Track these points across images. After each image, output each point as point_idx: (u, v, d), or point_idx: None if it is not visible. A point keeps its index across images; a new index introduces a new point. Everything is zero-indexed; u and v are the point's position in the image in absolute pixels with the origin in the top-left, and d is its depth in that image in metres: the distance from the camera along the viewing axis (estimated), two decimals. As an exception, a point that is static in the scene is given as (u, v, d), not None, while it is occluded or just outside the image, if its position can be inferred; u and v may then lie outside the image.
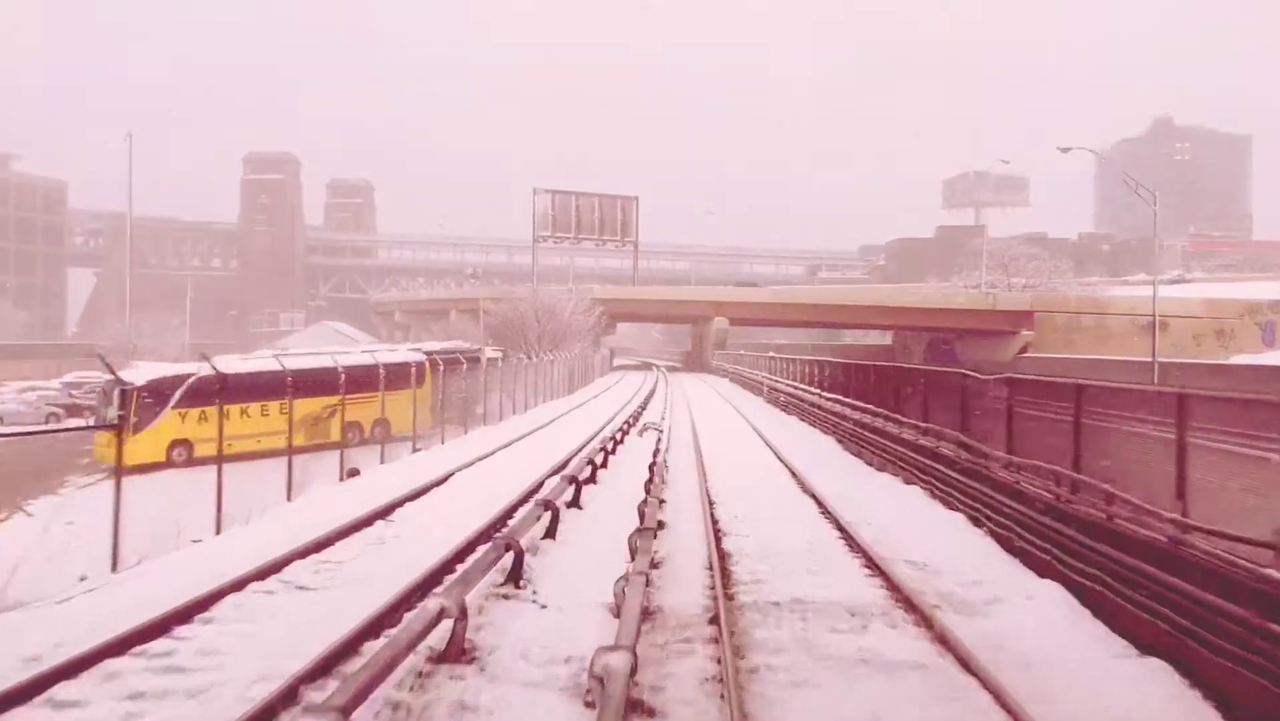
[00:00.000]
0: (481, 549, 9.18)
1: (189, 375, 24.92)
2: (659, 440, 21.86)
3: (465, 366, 29.42)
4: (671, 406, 35.69)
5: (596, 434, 24.58)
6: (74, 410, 40.22)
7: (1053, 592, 8.36)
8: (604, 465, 17.20)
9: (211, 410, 23.27)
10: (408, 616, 6.69)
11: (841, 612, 7.98)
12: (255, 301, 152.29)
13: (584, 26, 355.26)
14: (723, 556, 10.09)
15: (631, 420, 27.49)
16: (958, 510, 12.32)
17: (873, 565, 9.65)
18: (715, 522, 12.12)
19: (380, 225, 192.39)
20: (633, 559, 8.81)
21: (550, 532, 10.84)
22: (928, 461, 14.56)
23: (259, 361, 31.97)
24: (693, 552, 10.26)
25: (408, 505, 13.61)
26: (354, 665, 6.24)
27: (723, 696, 6.03)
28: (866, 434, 20.04)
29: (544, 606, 8.09)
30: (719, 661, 6.65)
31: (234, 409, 22.99)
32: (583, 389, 49.41)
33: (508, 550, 8.51)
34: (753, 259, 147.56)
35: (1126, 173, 50.24)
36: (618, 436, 22.14)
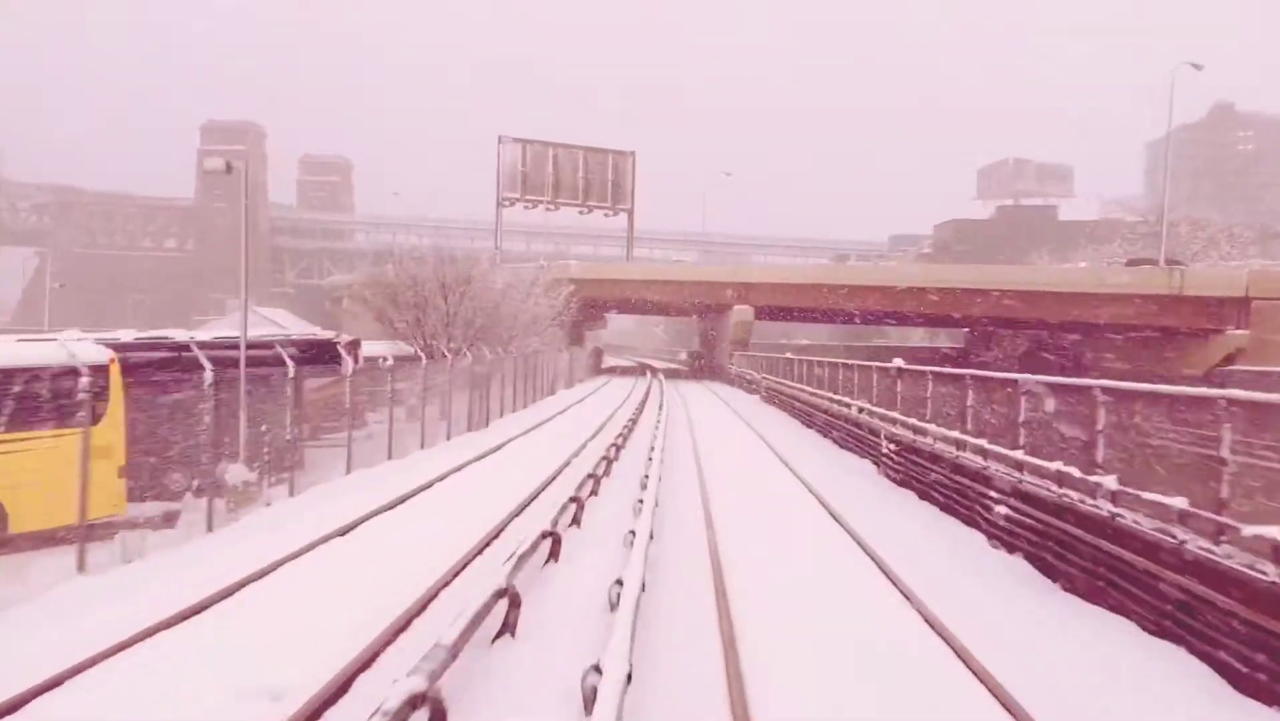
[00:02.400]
0: None
1: None
2: None
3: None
4: (669, 473, 16.20)
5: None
6: None
7: None
8: None
9: None
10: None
11: None
12: (211, 285, 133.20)
13: None
14: None
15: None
16: None
17: None
18: None
19: (360, 206, 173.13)
20: None
21: None
22: None
23: None
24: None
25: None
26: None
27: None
28: None
29: None
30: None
31: None
32: (522, 411, 29.76)
33: None
34: (768, 249, 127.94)
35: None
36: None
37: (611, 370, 75.34)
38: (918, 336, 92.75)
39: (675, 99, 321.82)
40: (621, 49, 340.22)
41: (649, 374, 56.19)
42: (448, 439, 21.43)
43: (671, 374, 69.86)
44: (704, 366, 68.48)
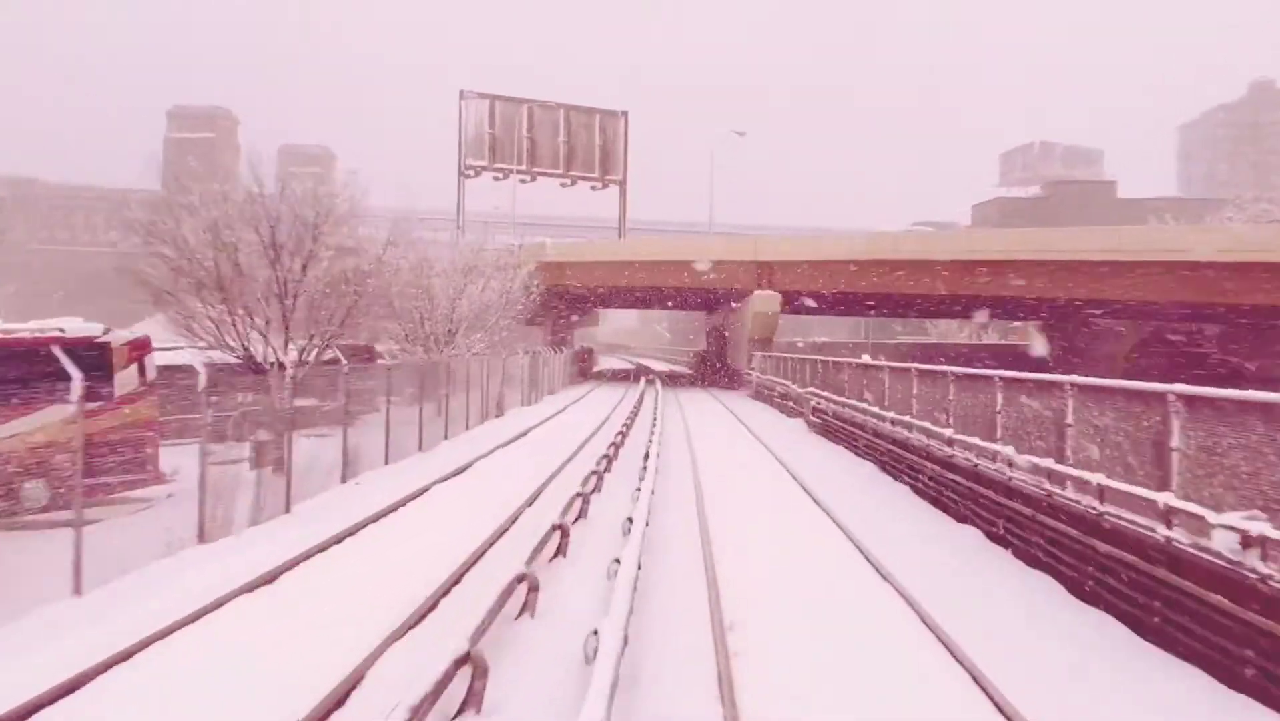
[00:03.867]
0: None
1: None
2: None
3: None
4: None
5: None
6: None
7: None
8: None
9: None
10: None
11: None
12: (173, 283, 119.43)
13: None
14: None
15: None
16: None
17: None
18: None
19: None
20: None
21: None
22: None
23: None
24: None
25: None
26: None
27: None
28: None
29: None
30: None
31: None
32: (402, 463, 17.38)
33: None
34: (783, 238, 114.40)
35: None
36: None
37: (600, 375, 62.94)
38: (954, 332, 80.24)
39: (672, 80, 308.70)
40: (619, 41, 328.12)
41: (644, 380, 43.89)
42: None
43: (673, 379, 57.35)
44: (712, 370, 55.99)
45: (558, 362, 41.17)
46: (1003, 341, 66.20)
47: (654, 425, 20.50)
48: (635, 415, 24.64)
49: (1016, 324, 77.56)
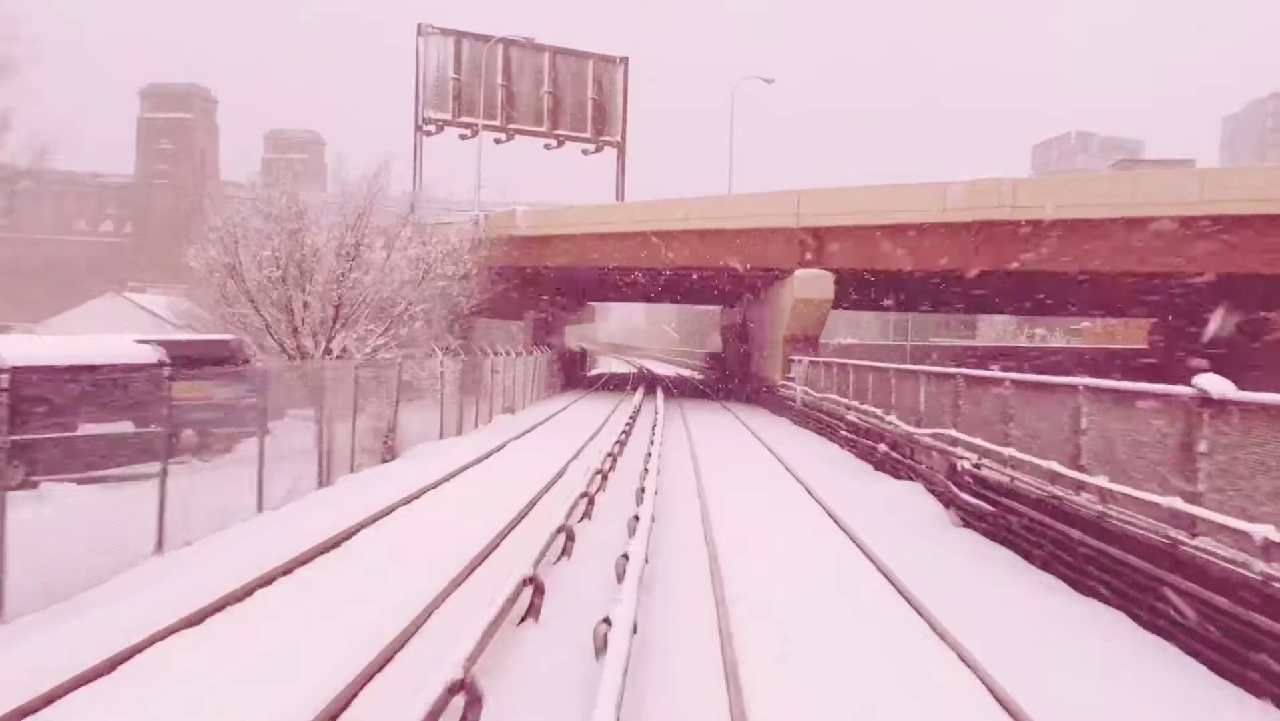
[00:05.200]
0: None
1: None
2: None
3: None
4: None
5: None
6: None
7: None
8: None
9: None
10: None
11: None
12: (150, 274, 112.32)
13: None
14: None
15: None
16: None
17: None
18: None
19: (333, 187, 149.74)
20: None
21: None
22: None
23: None
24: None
25: None
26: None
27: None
28: None
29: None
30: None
31: None
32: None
33: None
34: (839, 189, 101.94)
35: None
36: None
37: (594, 382, 51.75)
38: (1010, 334, 68.69)
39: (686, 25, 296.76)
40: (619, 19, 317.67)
41: (643, 391, 32.72)
42: None
43: (681, 390, 46.04)
44: (728, 378, 44.69)
45: (523, 370, 29.99)
46: (1111, 345, 54.10)
47: (634, 532, 9.29)
48: (603, 480, 13.39)
49: (1087, 322, 65.99)
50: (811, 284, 27.06)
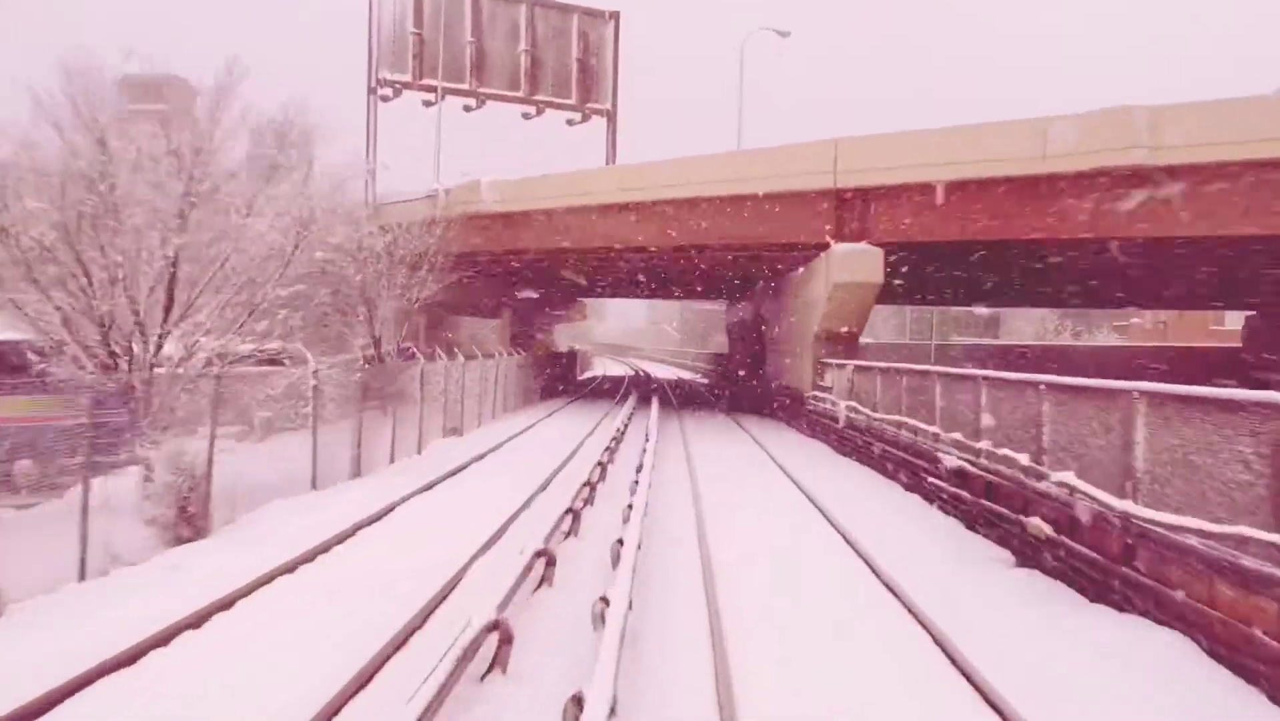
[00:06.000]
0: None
1: None
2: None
3: None
4: None
5: None
6: None
7: None
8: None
9: None
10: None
11: None
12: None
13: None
14: None
15: None
16: None
17: None
18: None
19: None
20: None
21: None
22: None
23: None
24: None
25: None
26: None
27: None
28: None
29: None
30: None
31: None
32: None
33: None
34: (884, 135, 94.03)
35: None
36: None
37: (581, 389, 45.06)
38: (1018, 329, 61.90)
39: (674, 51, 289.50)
40: None
41: (634, 399, 26.01)
42: None
43: (683, 399, 39.28)
44: (736, 384, 37.94)
45: (477, 377, 23.23)
46: (1187, 344, 47.19)
47: None
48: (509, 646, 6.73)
49: (1136, 318, 59.20)
50: (854, 262, 20.31)
